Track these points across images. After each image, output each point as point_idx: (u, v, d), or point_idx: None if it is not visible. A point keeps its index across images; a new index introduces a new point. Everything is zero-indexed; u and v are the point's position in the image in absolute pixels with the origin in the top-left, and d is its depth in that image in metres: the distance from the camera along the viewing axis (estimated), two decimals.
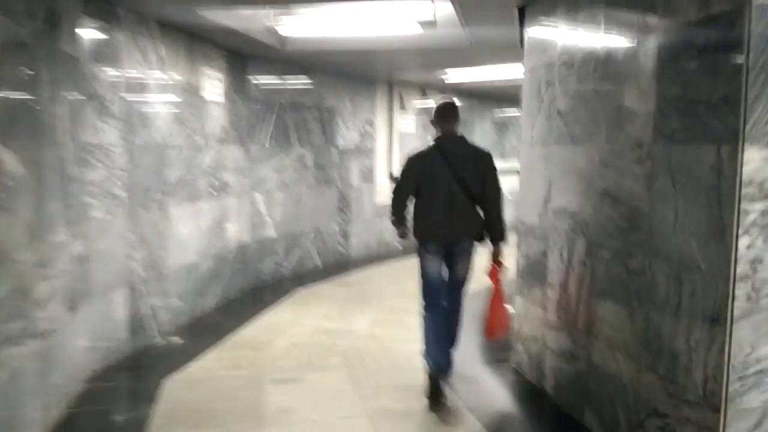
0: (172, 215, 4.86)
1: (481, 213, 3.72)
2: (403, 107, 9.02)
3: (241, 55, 6.06)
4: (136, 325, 4.44)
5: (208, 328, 5.09)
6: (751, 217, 2.22)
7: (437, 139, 3.82)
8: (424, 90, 9.40)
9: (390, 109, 8.78)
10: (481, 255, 3.84)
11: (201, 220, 5.37)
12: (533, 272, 3.86)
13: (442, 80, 8.53)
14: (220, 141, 5.70)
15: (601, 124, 3.08)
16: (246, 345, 4.65)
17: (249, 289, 6.38)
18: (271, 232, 6.78)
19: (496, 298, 3.75)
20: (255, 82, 6.42)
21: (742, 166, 2.21)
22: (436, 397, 3.59)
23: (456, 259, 3.75)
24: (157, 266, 4.68)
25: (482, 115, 10.95)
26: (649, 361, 2.68)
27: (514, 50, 5.88)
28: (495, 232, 3.72)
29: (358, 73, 7.70)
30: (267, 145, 6.62)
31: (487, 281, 3.79)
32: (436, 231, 3.69)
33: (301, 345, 4.66)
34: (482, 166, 3.70)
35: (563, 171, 3.48)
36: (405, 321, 5.21)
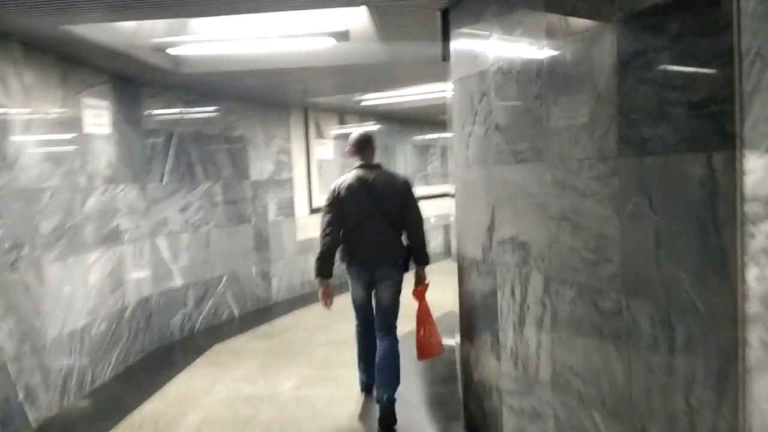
0: (47, 273, 4.03)
1: (403, 239, 3.94)
2: (320, 134, 8.45)
3: (130, 81, 5.32)
4: (4, 414, 3.57)
5: (101, 407, 4.25)
6: (759, 241, 1.75)
7: (357, 168, 4.01)
8: (341, 114, 8.88)
9: (306, 136, 8.18)
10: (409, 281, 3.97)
11: (88, 275, 4.55)
12: (481, 314, 3.32)
13: (359, 104, 8.04)
14: (108, 180, 4.91)
15: (551, 137, 2.61)
16: (148, 426, 3.86)
17: (154, 350, 5.54)
18: (177, 281, 5.98)
19: (423, 317, 3.90)
20: (149, 110, 5.67)
21: (742, 177, 1.75)
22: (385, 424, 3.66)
23: (381, 284, 3.92)
24: (30, 338, 3.84)
25: (403, 139, 10.54)
26: (638, 425, 2.17)
27: (434, 67, 5.46)
28: (417, 255, 3.96)
29: (268, 97, 7.08)
30: (166, 182, 5.86)
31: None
32: (360, 257, 3.89)
33: (215, 421, 3.91)
34: (401, 193, 3.92)
35: (508, 195, 2.98)
36: (338, 376, 4.57)
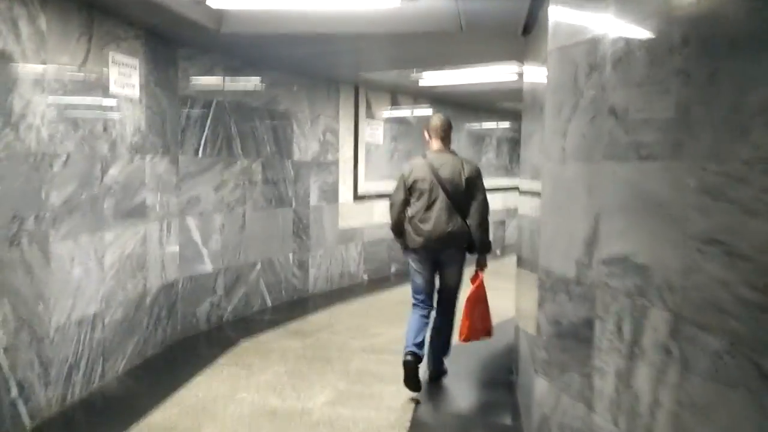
0: (55, 252, 3.51)
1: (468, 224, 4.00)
2: (371, 114, 7.80)
3: (166, 39, 4.76)
4: None
5: (107, 408, 3.74)
6: None
7: (429, 152, 4.12)
8: (394, 95, 8.20)
9: (356, 116, 7.55)
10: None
11: (105, 256, 4.03)
12: (568, 346, 2.64)
13: (416, 83, 7.35)
14: (135, 149, 4.38)
15: (700, 128, 1.90)
16: None
17: (176, 343, 5.03)
18: (207, 265, 5.45)
19: (477, 299, 4.00)
20: (185, 75, 5.11)
21: None
22: (412, 384, 3.88)
23: (446, 267, 4.08)
24: (30, 325, 3.33)
25: (457, 126, 9.80)
26: None
27: (509, 43, 4.75)
28: (479, 243, 4.01)
29: (317, 70, 6.46)
30: (201, 156, 5.31)
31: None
32: (427, 240, 3.97)
33: None
34: (469, 180, 3.98)
35: (622, 201, 2.28)
36: (377, 394, 3.95)
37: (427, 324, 4.07)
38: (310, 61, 5.81)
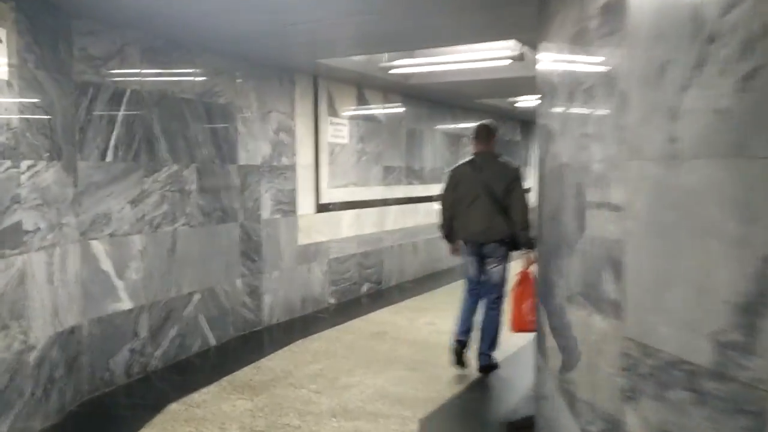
0: None
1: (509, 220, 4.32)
2: (333, 111, 6.64)
3: (53, 4, 3.52)
4: None
5: None
6: None
7: (473, 155, 4.52)
8: (361, 89, 7.06)
9: (315, 113, 6.38)
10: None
11: None
12: None
13: (386, 72, 6.23)
14: (6, 154, 3.13)
15: None
16: None
17: (82, 406, 3.77)
18: (123, 302, 4.20)
19: (525, 294, 4.12)
20: (86, 55, 3.88)
21: None
22: (460, 363, 4.44)
23: (489, 260, 4.44)
24: None
25: (432, 125, 8.72)
26: None
27: (502, 14, 3.68)
28: (520, 239, 4.31)
29: (267, 56, 5.26)
30: (111, 160, 4.07)
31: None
32: (470, 234, 4.43)
33: None
34: (508, 180, 4.32)
35: None
36: None
37: (475, 310, 4.52)
38: (257, 42, 4.61)
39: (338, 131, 6.73)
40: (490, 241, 4.37)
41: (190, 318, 4.83)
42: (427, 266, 8.57)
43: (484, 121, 4.59)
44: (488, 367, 4.42)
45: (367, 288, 7.25)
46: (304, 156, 6.19)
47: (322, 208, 6.46)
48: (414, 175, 8.26)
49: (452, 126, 9.29)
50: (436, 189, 9.28)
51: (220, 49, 4.91)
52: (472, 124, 9.77)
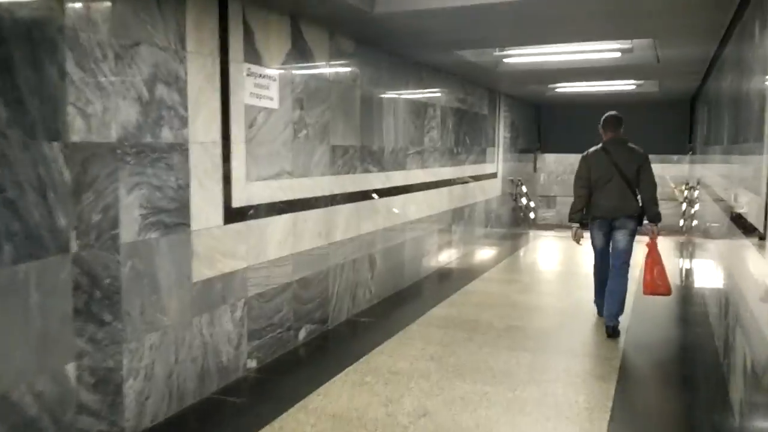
0: None
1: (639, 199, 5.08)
2: (254, 55, 4.08)
3: None
4: None
5: None
6: None
7: (604, 143, 5.17)
8: (296, 22, 4.51)
9: (223, 54, 3.79)
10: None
11: None
12: None
13: None
14: None
15: None
16: None
17: None
18: None
19: (654, 261, 4.92)
20: None
21: None
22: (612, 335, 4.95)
23: (618, 231, 5.06)
24: None
25: (393, 92, 6.26)
26: None
27: None
28: (649, 213, 5.02)
29: None
30: None
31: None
32: (603, 210, 5.08)
33: None
34: (638, 163, 5.01)
35: None
36: None
37: (606, 275, 5.20)
38: None
39: (263, 89, 4.17)
40: (622, 216, 5.01)
41: None
42: (387, 285, 6.18)
43: (612, 112, 5.23)
44: (616, 330, 4.94)
45: (306, 333, 4.78)
46: (203, 127, 3.60)
47: (235, 215, 3.91)
48: (372, 158, 5.81)
49: (418, 92, 6.88)
50: (399, 178, 6.58)
51: None
52: (437, 92, 7.46)
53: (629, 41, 6.13)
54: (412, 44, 5.67)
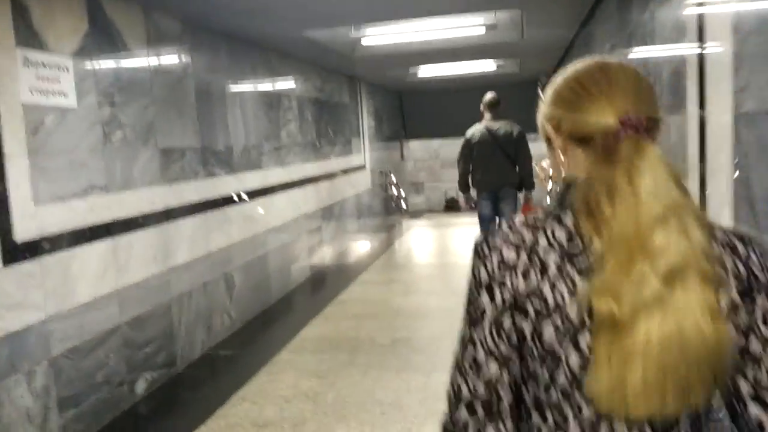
0: None
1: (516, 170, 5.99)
2: (36, 38, 3.07)
3: None
4: None
5: None
6: None
7: (486, 121, 5.97)
8: None
9: None
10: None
11: None
12: None
13: None
14: None
15: None
16: None
17: None
18: None
19: None
20: None
21: None
22: None
23: (503, 200, 5.97)
24: None
25: (237, 79, 5.38)
26: None
27: None
28: (525, 183, 5.97)
29: None
30: None
31: None
32: (489, 182, 5.94)
33: None
34: (516, 139, 5.89)
35: None
36: None
37: None
38: None
39: (50, 82, 3.17)
40: (505, 186, 5.94)
41: None
42: (251, 305, 5.34)
43: (492, 93, 6.08)
44: None
45: (147, 384, 3.85)
46: None
47: (20, 251, 2.91)
48: (217, 160, 4.92)
49: (269, 81, 6.04)
50: (256, 180, 5.69)
51: None
52: (291, 81, 6.68)
53: (494, 17, 5.71)
54: (252, 24, 4.83)
